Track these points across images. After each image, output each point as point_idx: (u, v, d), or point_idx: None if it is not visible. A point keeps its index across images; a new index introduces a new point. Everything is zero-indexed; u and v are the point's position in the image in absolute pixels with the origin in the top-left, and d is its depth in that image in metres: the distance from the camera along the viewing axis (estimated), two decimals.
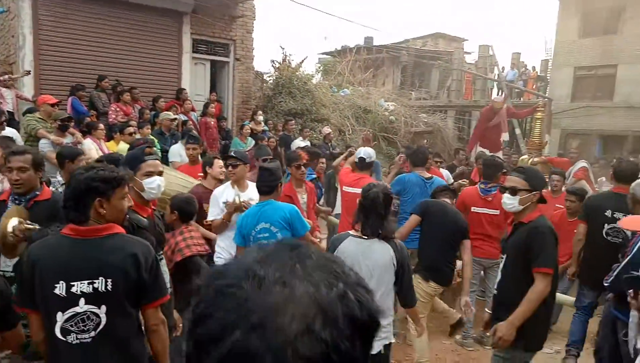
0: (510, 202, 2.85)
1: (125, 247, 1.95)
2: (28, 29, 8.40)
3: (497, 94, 19.01)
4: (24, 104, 7.48)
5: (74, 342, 1.88)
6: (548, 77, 19.40)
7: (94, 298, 1.87)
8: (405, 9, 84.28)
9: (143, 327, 2.09)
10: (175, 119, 8.00)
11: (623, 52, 16.79)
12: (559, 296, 4.69)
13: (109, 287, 1.88)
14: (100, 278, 1.87)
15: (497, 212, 4.49)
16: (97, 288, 1.87)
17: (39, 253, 1.91)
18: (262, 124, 9.73)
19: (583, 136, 17.14)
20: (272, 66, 12.18)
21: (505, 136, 9.50)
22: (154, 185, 2.77)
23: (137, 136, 6.87)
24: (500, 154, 8.75)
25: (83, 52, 8.91)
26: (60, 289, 1.85)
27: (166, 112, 8.03)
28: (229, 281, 0.56)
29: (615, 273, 2.84)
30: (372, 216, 2.68)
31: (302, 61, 12.64)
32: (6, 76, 7.30)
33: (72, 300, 1.86)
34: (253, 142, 8.66)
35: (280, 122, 10.28)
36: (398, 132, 12.26)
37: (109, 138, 7.04)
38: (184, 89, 9.43)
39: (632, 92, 16.44)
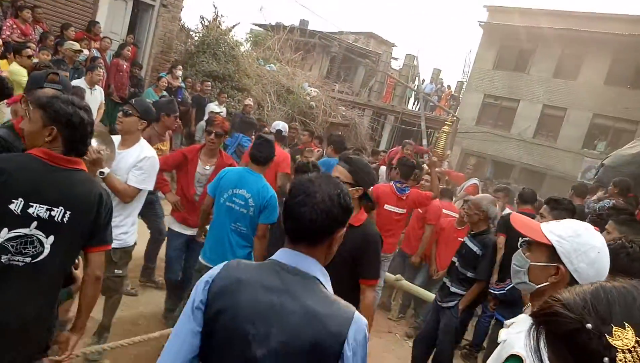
0: None
1: (93, 185, 2.00)
2: None
3: (413, 104, 19.97)
4: None
5: (3, 261, 1.79)
6: (460, 98, 20.77)
7: (46, 225, 1.84)
8: (346, 2, 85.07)
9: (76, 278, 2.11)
10: (81, 51, 7.27)
11: (526, 90, 18.51)
12: (426, 293, 5.10)
13: (66, 219, 1.87)
14: (60, 207, 1.86)
15: (404, 211, 4.89)
16: (54, 217, 1.85)
17: (5, 166, 1.82)
18: (180, 79, 9.22)
19: (479, 158, 18.66)
20: (201, 22, 11.59)
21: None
22: None
23: (35, 60, 6.16)
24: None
25: None
26: (16, 206, 1.79)
27: (71, 42, 7.26)
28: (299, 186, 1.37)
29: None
30: None
31: (234, 26, 12.19)
32: None
33: (24, 220, 1.80)
34: (161, 95, 8.15)
35: (198, 81, 9.82)
36: (316, 119, 12.34)
37: (1, 55, 6.20)
38: (98, 23, 8.60)
39: (527, 128, 18.21)
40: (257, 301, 1.25)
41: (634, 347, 0.76)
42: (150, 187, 3.15)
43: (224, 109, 9.17)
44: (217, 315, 1.26)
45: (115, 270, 3.15)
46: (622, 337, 0.76)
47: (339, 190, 1.33)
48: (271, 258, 1.36)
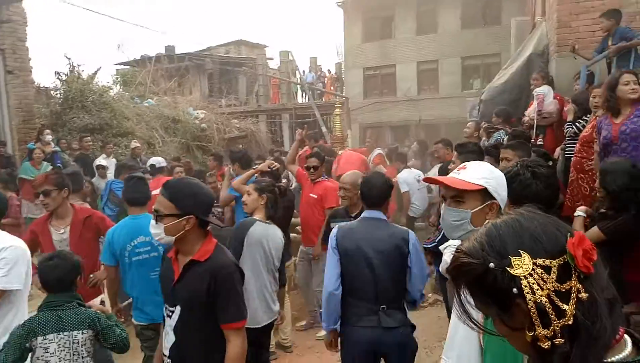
0: (156, 232, 2.05)
1: None
2: None
3: (302, 97, 20.23)
4: None
5: None
6: (343, 78, 21.42)
7: None
8: (205, 17, 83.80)
9: None
10: None
11: (398, 54, 19.53)
12: None
13: None
14: None
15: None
16: None
17: None
18: (52, 144, 8.47)
19: (377, 128, 19.39)
20: (58, 78, 10.72)
21: (296, 134, 9.54)
22: None
23: None
24: None
25: None
26: None
27: None
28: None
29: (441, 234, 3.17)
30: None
31: (96, 71, 11.45)
32: None
33: None
34: (50, 167, 7.44)
35: (75, 140, 9.10)
36: (212, 140, 12.03)
37: None
38: None
39: (409, 88, 19.24)
40: (363, 235, 2.70)
41: (533, 269, 0.80)
42: (19, 285, 2.46)
43: (113, 160, 8.59)
44: (345, 249, 2.68)
45: None
46: (520, 265, 0.80)
47: (384, 179, 2.93)
48: (362, 216, 2.88)
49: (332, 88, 20.22)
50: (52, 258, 2.43)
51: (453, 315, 1.63)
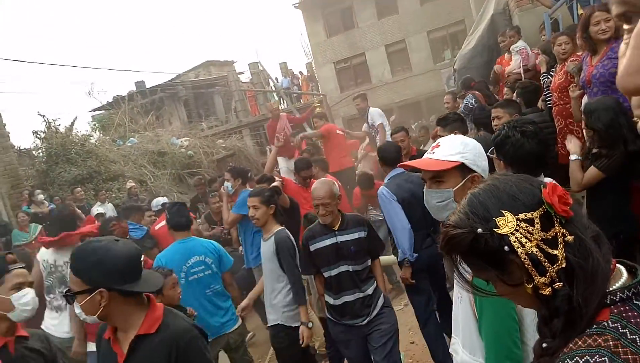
0: (78, 312, 1.71)
1: None
2: None
3: (280, 104, 20.25)
4: None
5: None
6: (316, 76, 21.46)
7: None
8: (169, 45, 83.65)
9: None
10: None
11: (365, 41, 19.60)
12: (386, 258, 5.01)
13: None
14: None
15: None
16: None
17: None
18: (46, 203, 8.46)
19: (360, 119, 19.45)
20: (37, 137, 10.69)
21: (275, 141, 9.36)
22: (27, 299, 2.02)
23: None
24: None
25: None
26: None
27: None
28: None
29: None
30: None
31: (72, 122, 11.40)
32: None
33: None
34: (39, 228, 7.42)
35: (68, 194, 9.08)
36: (201, 165, 12.02)
37: None
38: None
39: (383, 72, 19.32)
40: (406, 183, 3.56)
41: (517, 225, 0.85)
42: None
43: (109, 205, 8.59)
44: (402, 197, 3.51)
45: None
46: (505, 224, 0.85)
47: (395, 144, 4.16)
48: (393, 174, 3.69)
49: (308, 89, 20.25)
50: None
51: (454, 297, 1.63)
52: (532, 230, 0.84)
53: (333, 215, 3.09)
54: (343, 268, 3.08)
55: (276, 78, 20.72)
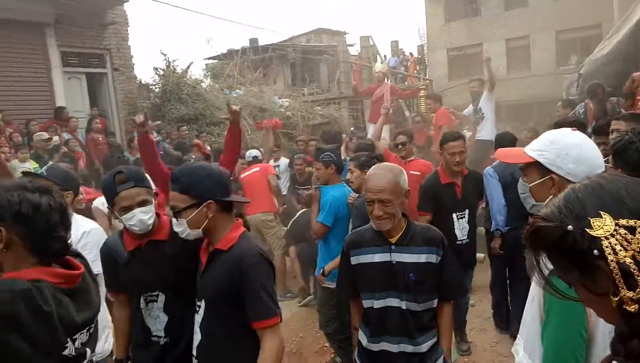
0: (180, 229, 1.91)
1: None
2: None
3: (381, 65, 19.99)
4: None
5: None
6: (426, 60, 20.83)
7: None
8: (285, 7, 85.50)
9: None
10: (50, 139, 7.26)
11: (485, 32, 18.57)
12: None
13: None
14: None
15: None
16: None
17: None
18: (154, 134, 9.20)
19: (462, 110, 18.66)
20: (156, 73, 11.60)
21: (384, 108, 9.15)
22: (135, 221, 2.08)
23: (14, 161, 6.27)
24: (388, 127, 8.88)
25: None
26: None
27: (39, 133, 7.26)
28: None
29: None
30: None
31: (188, 66, 12.21)
32: None
33: None
34: None
35: (173, 129, 9.83)
36: (296, 127, 12.33)
37: None
38: (65, 108, 8.62)
39: (498, 67, 18.25)
40: (507, 168, 3.86)
41: (615, 230, 0.77)
42: (98, 269, 2.33)
43: (208, 147, 9.16)
44: (505, 181, 3.96)
45: None
46: (601, 226, 0.78)
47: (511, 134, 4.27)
48: (497, 163, 3.99)
49: (414, 71, 19.76)
50: None
51: (528, 298, 1.53)
52: (632, 239, 0.76)
53: (393, 220, 2.10)
54: (393, 301, 2.15)
55: (384, 56, 20.42)
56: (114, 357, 2.38)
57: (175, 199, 1.87)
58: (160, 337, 2.14)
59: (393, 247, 2.16)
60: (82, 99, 9.90)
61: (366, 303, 2.23)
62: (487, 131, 7.33)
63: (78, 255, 1.60)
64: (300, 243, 5.66)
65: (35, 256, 1.38)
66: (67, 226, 1.45)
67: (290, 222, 5.93)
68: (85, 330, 1.46)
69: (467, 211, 3.82)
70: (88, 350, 1.48)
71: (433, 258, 2.16)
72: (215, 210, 1.86)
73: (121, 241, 2.21)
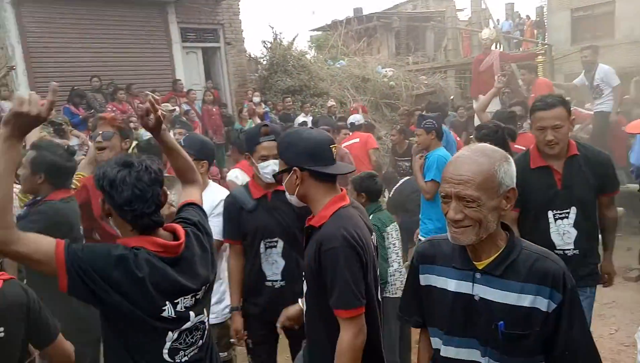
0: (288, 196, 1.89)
1: None
2: (15, 37, 8.30)
3: (496, 47, 18.69)
4: None
5: None
6: (545, 23, 18.99)
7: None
8: None
9: None
10: (174, 110, 7.91)
11: None
12: None
13: None
14: None
15: None
16: None
17: None
18: (262, 105, 9.62)
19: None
20: (264, 46, 12.02)
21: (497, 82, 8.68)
22: (268, 170, 2.33)
23: (142, 130, 6.89)
24: (497, 100, 8.34)
25: (73, 55, 8.82)
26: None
27: (164, 104, 7.94)
28: None
29: None
30: None
31: (294, 38, 12.47)
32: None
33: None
34: (253, 124, 8.59)
35: (279, 101, 10.18)
36: (400, 97, 12.08)
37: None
38: (179, 80, 9.35)
39: (633, 27, 16.05)
40: None
41: None
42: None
43: (310, 118, 9.37)
44: None
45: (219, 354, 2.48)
46: None
47: None
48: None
49: (531, 36, 18.13)
50: None
51: None
52: None
53: (480, 231, 1.37)
54: (472, 353, 1.48)
55: (497, 20, 18.95)
56: (228, 306, 2.59)
57: (279, 163, 1.90)
58: (276, 281, 2.38)
59: (478, 275, 1.43)
60: (198, 72, 10.63)
61: (434, 343, 1.57)
62: (606, 104, 6.56)
63: (194, 224, 1.72)
64: (401, 213, 5.57)
65: (129, 225, 1.52)
66: (157, 199, 1.53)
67: (392, 190, 5.72)
68: (189, 296, 1.59)
69: (573, 209, 2.55)
70: (192, 313, 1.60)
71: (543, 304, 1.36)
72: (303, 178, 1.77)
73: (247, 191, 2.44)
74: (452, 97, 11.73)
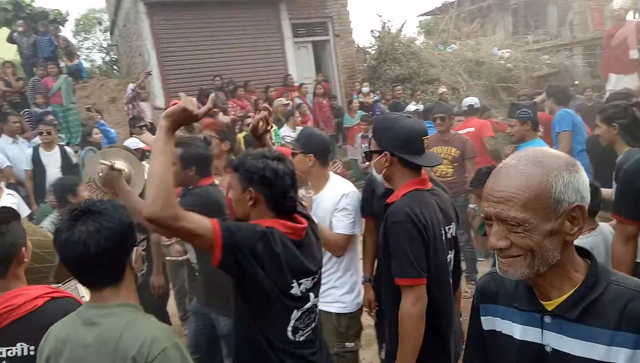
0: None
1: None
2: (150, 45, 9.27)
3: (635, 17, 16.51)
4: (159, 114, 8.34)
5: None
6: None
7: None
8: None
9: None
10: (288, 104, 8.25)
11: None
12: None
13: None
14: None
15: None
16: None
17: None
18: (371, 95, 9.62)
19: None
20: (372, 35, 11.97)
21: (634, 54, 7.49)
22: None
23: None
24: (635, 77, 7.33)
25: (198, 57, 9.60)
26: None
27: (279, 98, 8.32)
28: None
29: None
30: None
31: (402, 25, 12.24)
32: (136, 86, 8.19)
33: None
34: (362, 115, 8.63)
35: (388, 90, 10.08)
36: (518, 80, 11.25)
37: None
38: (289, 75, 9.70)
39: None
40: None
41: None
42: (359, 229, 2.56)
43: (420, 106, 9.14)
44: None
45: (346, 344, 2.54)
46: None
47: None
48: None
49: None
50: None
51: None
52: None
53: (534, 263, 1.03)
54: None
55: None
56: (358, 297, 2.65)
57: (372, 143, 2.02)
58: None
59: (547, 319, 1.09)
60: (309, 66, 10.93)
61: None
62: None
63: (305, 216, 1.87)
64: None
65: (273, 212, 1.69)
66: (296, 188, 1.73)
67: None
68: (310, 278, 1.72)
69: None
70: (312, 294, 1.73)
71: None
72: (392, 162, 1.91)
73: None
74: (576, 82, 10.59)
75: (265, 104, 1.91)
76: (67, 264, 1.35)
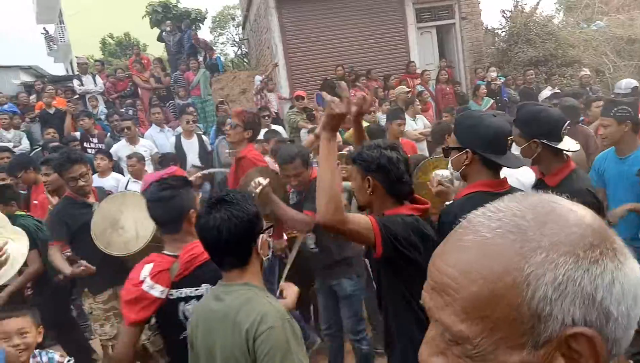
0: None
1: None
2: (278, 38, 9.74)
3: None
4: (284, 104, 8.78)
5: None
6: None
7: None
8: None
9: None
10: (409, 91, 8.08)
11: None
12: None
13: None
14: None
15: None
16: None
17: None
18: (498, 80, 8.99)
19: None
20: (503, 16, 11.14)
21: None
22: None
23: (379, 113, 7.33)
24: None
25: (321, 47, 9.86)
26: None
27: (400, 87, 8.19)
28: None
29: None
30: None
31: (538, 2, 11.17)
32: (264, 78, 8.68)
33: None
34: (490, 102, 8.11)
35: (519, 74, 9.33)
36: None
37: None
38: (412, 62, 9.48)
39: None
40: None
41: None
42: None
43: (558, 91, 8.33)
44: None
45: None
46: None
47: None
48: None
49: None
50: None
51: None
52: None
53: None
54: None
55: None
56: None
57: (451, 139, 2.04)
58: None
59: None
60: (432, 51, 10.57)
61: None
62: None
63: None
64: None
65: (392, 198, 1.86)
66: (410, 173, 1.88)
67: None
68: None
69: None
70: None
71: None
72: (472, 160, 1.88)
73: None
74: None
75: (362, 93, 2.08)
76: (204, 246, 1.56)
